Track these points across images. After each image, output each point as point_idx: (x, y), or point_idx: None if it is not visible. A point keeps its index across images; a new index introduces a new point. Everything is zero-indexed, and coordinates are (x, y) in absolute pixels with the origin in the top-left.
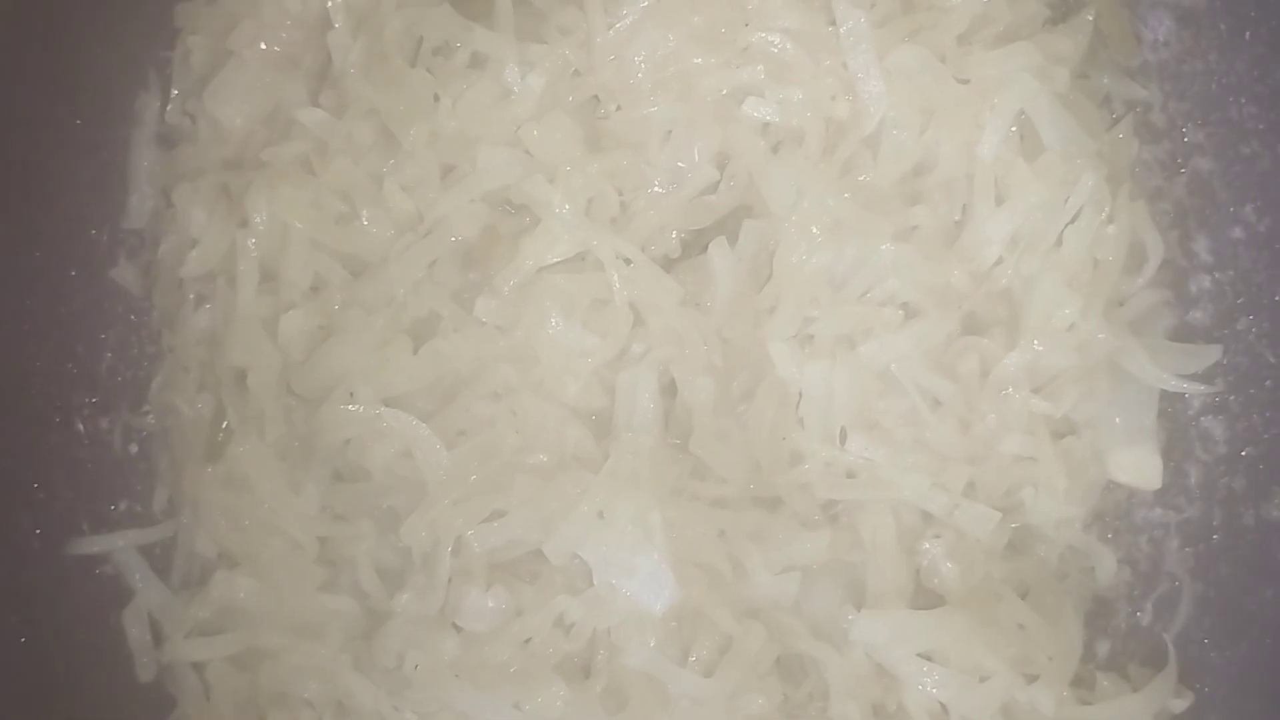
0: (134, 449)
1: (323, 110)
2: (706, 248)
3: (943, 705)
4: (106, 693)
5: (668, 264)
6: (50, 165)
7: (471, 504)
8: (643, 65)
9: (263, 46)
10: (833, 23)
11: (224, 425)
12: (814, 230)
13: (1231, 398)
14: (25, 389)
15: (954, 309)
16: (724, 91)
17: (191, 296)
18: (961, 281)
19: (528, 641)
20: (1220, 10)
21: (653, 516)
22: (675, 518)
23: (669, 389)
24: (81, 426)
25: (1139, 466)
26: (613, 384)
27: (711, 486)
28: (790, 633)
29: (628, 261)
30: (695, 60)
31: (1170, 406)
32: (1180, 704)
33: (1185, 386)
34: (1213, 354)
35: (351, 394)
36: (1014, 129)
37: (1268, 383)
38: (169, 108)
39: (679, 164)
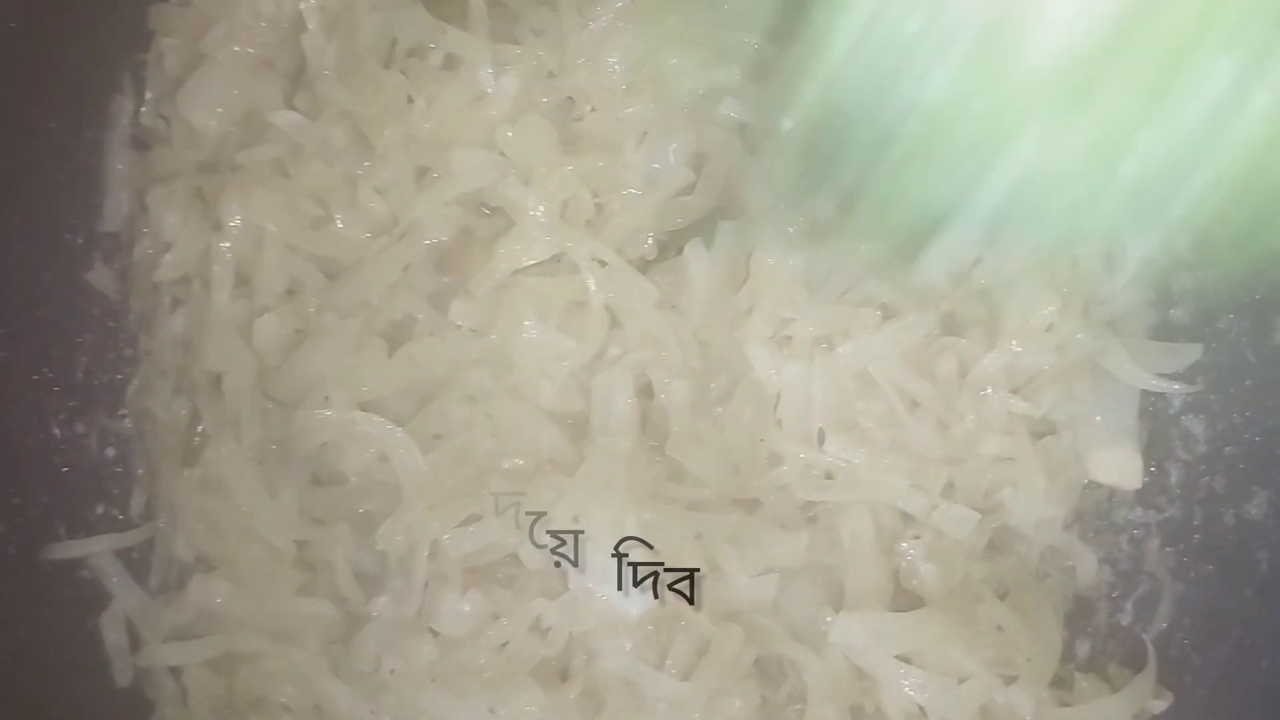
0: (111, 453)
1: (297, 113)
2: (682, 249)
3: (921, 707)
4: (83, 697)
5: (644, 266)
6: (24, 168)
7: (447, 508)
8: (617, 66)
9: (237, 49)
10: None
11: (200, 429)
12: (790, 231)
13: (1212, 396)
14: (0, 394)
15: (932, 309)
16: (700, 92)
17: (167, 300)
18: (939, 282)
19: (504, 646)
20: None
21: (629, 520)
22: (652, 521)
23: (645, 391)
24: (58, 431)
25: (1119, 466)
26: (589, 387)
27: (689, 489)
28: (768, 635)
29: (603, 264)
30: (671, 61)
31: (1151, 405)
32: (1160, 704)
33: (1166, 385)
34: (1193, 352)
35: (326, 398)
36: None
37: (1248, 381)
38: (143, 110)
39: (654, 165)
